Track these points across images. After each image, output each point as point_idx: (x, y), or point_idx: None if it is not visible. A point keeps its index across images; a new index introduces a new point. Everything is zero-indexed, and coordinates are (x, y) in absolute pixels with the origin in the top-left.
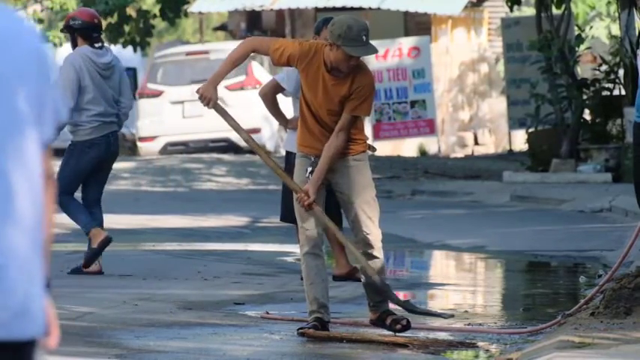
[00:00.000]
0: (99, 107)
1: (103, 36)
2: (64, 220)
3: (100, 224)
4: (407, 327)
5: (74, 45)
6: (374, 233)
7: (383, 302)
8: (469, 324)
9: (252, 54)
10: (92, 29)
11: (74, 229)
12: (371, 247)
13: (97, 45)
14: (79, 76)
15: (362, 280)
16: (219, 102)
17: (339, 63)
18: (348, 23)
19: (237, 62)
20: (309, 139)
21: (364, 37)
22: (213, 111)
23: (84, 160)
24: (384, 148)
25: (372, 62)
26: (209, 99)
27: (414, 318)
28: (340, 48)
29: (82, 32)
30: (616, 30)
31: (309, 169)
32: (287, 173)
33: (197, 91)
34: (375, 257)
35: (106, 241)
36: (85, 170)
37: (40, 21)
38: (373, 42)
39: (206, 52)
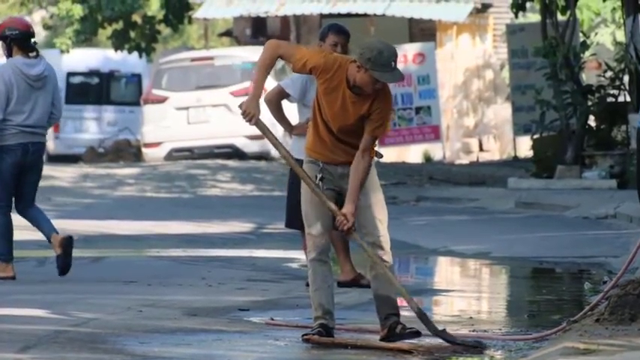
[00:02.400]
0: (18, 118)
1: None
2: (67, 226)
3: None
4: (418, 334)
5: (9, 54)
6: (385, 235)
7: (393, 315)
8: (474, 330)
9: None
10: (28, 38)
11: (79, 235)
12: (382, 249)
13: (31, 54)
14: (8, 88)
15: (366, 287)
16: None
17: (364, 85)
18: (379, 48)
19: (269, 69)
20: (320, 146)
21: (393, 63)
22: (217, 117)
23: (3, 166)
24: (389, 155)
25: None
26: (252, 115)
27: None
28: (368, 71)
29: (19, 42)
30: (621, 36)
31: (319, 175)
32: (292, 179)
33: (239, 106)
34: (385, 261)
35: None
36: (8, 176)
37: (48, 27)
38: None
39: (211, 58)
